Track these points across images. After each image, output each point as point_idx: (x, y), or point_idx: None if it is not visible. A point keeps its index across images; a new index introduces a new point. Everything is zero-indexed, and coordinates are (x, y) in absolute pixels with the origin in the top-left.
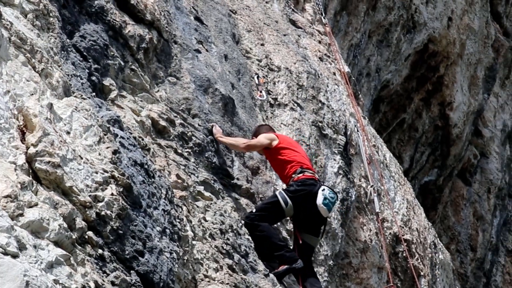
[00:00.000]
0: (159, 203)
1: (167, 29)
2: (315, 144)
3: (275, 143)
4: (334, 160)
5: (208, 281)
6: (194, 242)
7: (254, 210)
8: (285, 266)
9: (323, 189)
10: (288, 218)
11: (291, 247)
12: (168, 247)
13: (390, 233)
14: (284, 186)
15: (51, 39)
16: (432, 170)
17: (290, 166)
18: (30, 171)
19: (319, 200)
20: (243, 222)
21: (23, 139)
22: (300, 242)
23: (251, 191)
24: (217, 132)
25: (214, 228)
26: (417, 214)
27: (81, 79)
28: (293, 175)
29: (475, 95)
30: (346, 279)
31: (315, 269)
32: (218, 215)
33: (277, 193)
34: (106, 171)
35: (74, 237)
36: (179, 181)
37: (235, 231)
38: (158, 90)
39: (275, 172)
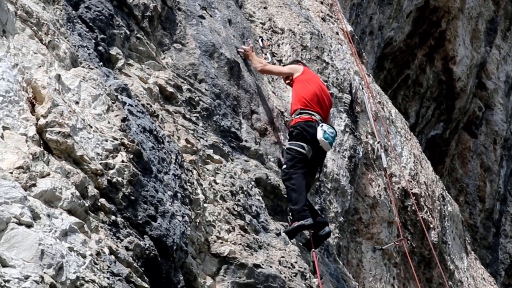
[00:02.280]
0: (170, 168)
1: None
2: None
3: (296, 74)
4: (341, 118)
5: (221, 243)
6: (205, 205)
7: (285, 165)
8: (296, 223)
9: (321, 125)
10: None
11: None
12: (180, 211)
13: (398, 187)
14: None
15: (57, 11)
16: (438, 124)
17: (296, 101)
18: (41, 142)
19: (320, 135)
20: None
21: (33, 111)
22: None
23: (259, 153)
24: (248, 50)
25: (225, 190)
26: (424, 168)
27: (88, 49)
28: (293, 116)
29: (477, 48)
30: (357, 235)
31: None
32: (228, 177)
33: (287, 145)
34: (115, 139)
35: (87, 204)
36: (189, 145)
37: (245, 192)
38: (164, 57)
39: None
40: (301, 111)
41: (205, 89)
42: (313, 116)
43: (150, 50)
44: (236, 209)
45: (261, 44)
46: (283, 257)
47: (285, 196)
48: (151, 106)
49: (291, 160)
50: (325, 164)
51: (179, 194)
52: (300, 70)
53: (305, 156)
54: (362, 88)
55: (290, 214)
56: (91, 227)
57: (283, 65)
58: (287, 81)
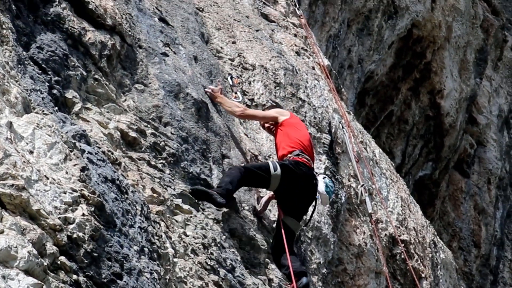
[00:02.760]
0: (135, 221)
1: (130, 33)
2: None
3: (284, 117)
4: (320, 160)
5: None
6: (175, 259)
7: (243, 165)
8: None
9: (324, 177)
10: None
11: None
12: (148, 267)
13: (385, 234)
14: None
15: (6, 52)
16: (426, 163)
17: (289, 145)
18: None
19: (322, 187)
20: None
21: None
22: (282, 217)
23: None
24: (217, 91)
25: (196, 243)
26: (413, 212)
27: (41, 93)
28: (289, 155)
29: (467, 80)
30: (342, 287)
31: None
32: (199, 229)
33: (269, 160)
34: (75, 190)
35: (45, 263)
36: (155, 195)
37: (219, 245)
38: (125, 99)
39: (275, 148)
40: (299, 152)
41: (171, 133)
42: (310, 163)
43: (109, 92)
44: (209, 263)
45: (230, 82)
46: None
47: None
48: (112, 153)
49: (253, 166)
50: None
51: (146, 249)
52: (287, 113)
53: (268, 176)
54: (343, 127)
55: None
56: None
57: (258, 106)
58: (267, 125)
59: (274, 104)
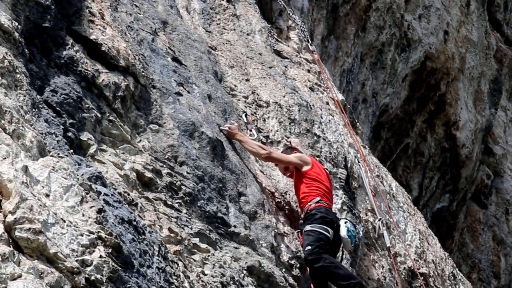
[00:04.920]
0: (153, 261)
1: (143, 73)
2: None
3: (306, 168)
4: (337, 195)
5: None
6: None
7: (309, 246)
8: None
9: (346, 222)
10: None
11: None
12: None
13: (404, 268)
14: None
15: (20, 97)
16: (443, 195)
17: (309, 196)
18: (10, 241)
19: (343, 232)
20: (305, 258)
21: None
22: None
23: (250, 238)
24: (234, 129)
25: (215, 282)
26: (431, 244)
27: (56, 136)
28: (310, 203)
29: (482, 111)
30: None
31: None
32: (217, 267)
33: (309, 227)
34: (92, 233)
35: None
36: (172, 235)
37: (237, 283)
38: (140, 140)
39: (294, 192)
40: (320, 200)
41: (187, 172)
42: (331, 206)
43: (124, 133)
44: None
45: (245, 120)
46: None
47: (325, 279)
48: (128, 194)
49: (316, 241)
50: None
51: None
52: (309, 162)
53: (328, 240)
54: (358, 162)
55: None
56: None
57: (268, 142)
58: (287, 171)
59: (289, 143)
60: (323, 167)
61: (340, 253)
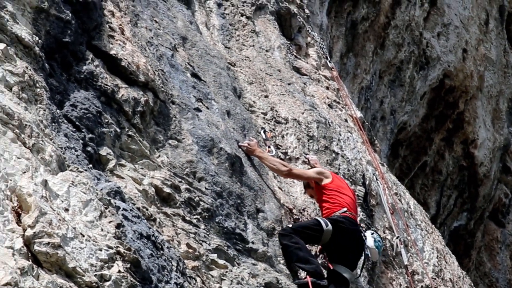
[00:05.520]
0: (171, 277)
1: (163, 89)
2: None
3: (326, 181)
4: None
5: None
6: None
7: (290, 226)
8: (311, 279)
9: (372, 232)
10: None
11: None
12: None
13: (422, 286)
14: None
15: (40, 111)
16: (461, 214)
17: (333, 206)
18: (29, 255)
19: (370, 242)
20: (277, 233)
21: (19, 221)
22: (331, 268)
23: (268, 255)
24: (253, 145)
25: None
26: (449, 263)
27: (76, 151)
28: (336, 212)
29: (500, 130)
30: None
31: None
32: (235, 284)
33: (318, 217)
34: (110, 247)
35: None
36: (190, 250)
37: None
38: (159, 155)
39: (319, 207)
40: (346, 210)
41: (205, 188)
42: (356, 218)
43: (143, 148)
44: None
45: (263, 136)
46: None
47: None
48: (147, 210)
49: (303, 226)
50: None
51: None
52: (329, 175)
53: (320, 233)
54: (376, 179)
55: (305, 271)
56: None
57: (287, 159)
58: (308, 190)
59: (307, 160)
60: (345, 181)
61: (361, 263)
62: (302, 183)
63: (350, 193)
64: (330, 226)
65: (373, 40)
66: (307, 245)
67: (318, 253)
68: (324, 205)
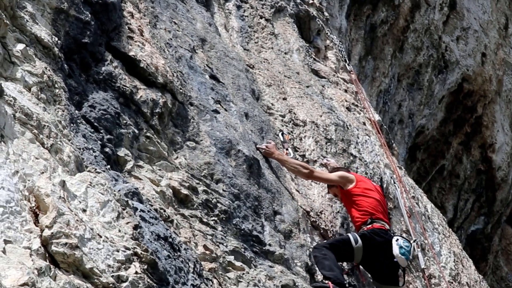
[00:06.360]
0: (188, 278)
1: (181, 90)
2: None
3: (350, 185)
4: None
5: None
6: None
7: (326, 241)
8: (333, 285)
9: (397, 239)
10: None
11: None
12: None
13: None
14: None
15: (59, 111)
16: (478, 218)
17: (360, 214)
18: (47, 255)
19: (396, 250)
20: (310, 249)
21: (36, 222)
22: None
23: (285, 257)
24: (272, 148)
25: None
26: (466, 267)
27: (94, 151)
28: (363, 226)
29: None
30: None
31: None
32: (251, 286)
33: (349, 234)
34: (128, 248)
35: None
36: (207, 252)
37: None
38: (177, 157)
39: (349, 215)
40: (372, 220)
41: (223, 190)
42: (385, 225)
43: (161, 149)
44: None
45: (281, 139)
46: None
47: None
48: (164, 211)
49: (336, 242)
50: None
51: None
52: (353, 179)
53: (350, 249)
54: (394, 182)
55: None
56: None
57: (305, 161)
58: (332, 189)
59: (337, 167)
60: (371, 181)
61: (401, 271)
62: (321, 185)
63: (376, 193)
64: (360, 243)
65: (392, 43)
66: (343, 263)
67: (350, 271)
68: (352, 213)
